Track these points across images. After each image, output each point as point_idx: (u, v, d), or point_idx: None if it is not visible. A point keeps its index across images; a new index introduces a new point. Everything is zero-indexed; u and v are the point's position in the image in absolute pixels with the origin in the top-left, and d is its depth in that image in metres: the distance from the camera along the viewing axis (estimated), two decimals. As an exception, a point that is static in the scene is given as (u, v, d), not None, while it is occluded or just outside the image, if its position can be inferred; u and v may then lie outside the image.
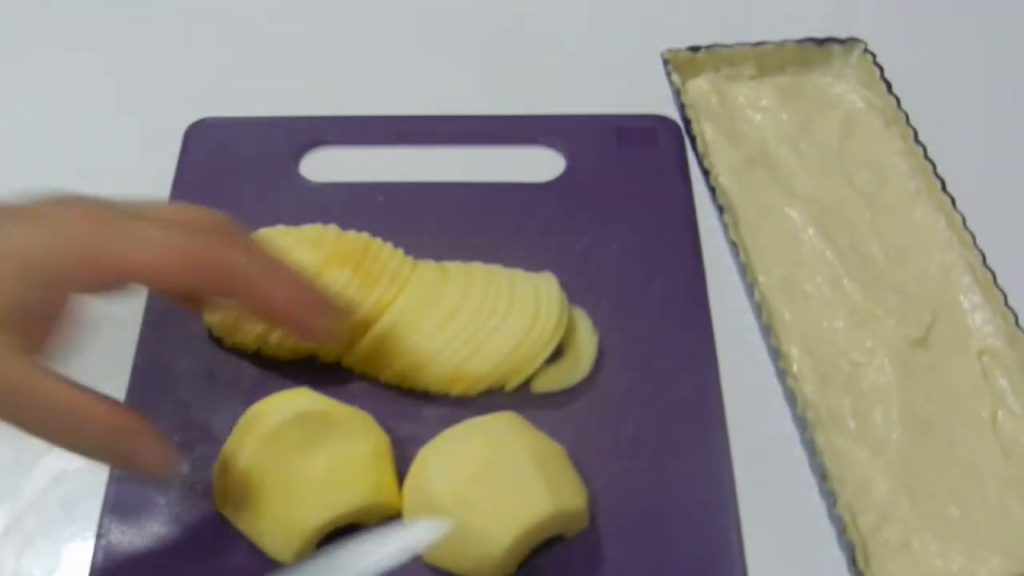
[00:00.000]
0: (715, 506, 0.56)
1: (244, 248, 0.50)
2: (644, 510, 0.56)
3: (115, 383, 0.60)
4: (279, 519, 0.53)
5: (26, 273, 0.45)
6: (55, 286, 0.46)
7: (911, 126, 0.71)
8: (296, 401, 0.56)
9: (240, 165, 0.71)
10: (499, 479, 0.52)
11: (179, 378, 0.61)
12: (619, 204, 0.69)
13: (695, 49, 0.75)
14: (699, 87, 0.74)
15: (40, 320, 0.47)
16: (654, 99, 0.74)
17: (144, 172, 0.70)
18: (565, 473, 0.54)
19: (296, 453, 0.54)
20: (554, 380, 0.60)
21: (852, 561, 0.53)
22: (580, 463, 0.56)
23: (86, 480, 0.57)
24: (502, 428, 0.54)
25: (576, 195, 0.69)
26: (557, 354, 0.61)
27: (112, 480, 0.57)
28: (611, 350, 0.62)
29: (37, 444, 0.46)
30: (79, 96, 0.77)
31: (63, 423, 0.45)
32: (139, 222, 0.47)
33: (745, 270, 0.64)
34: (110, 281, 0.47)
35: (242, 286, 0.49)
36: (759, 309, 0.63)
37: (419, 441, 0.55)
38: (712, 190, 0.68)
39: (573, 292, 0.63)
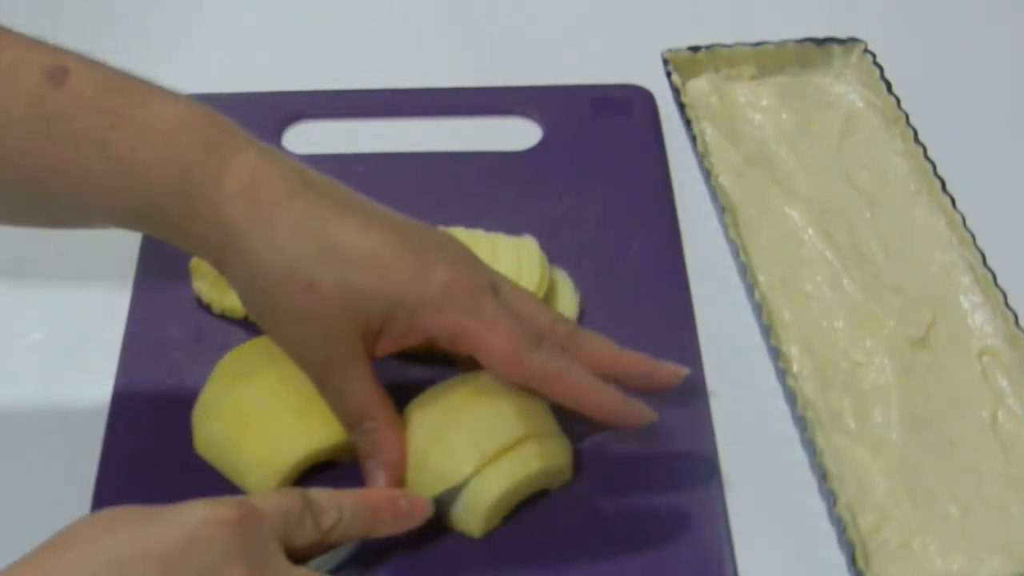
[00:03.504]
0: (696, 457, 0.58)
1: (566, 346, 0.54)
2: (626, 463, 0.57)
3: (108, 350, 0.61)
4: (257, 456, 0.54)
5: (384, 291, 0.51)
6: (401, 313, 0.51)
7: (911, 126, 0.71)
8: (274, 345, 0.56)
9: None
10: (485, 432, 0.53)
11: (170, 344, 0.62)
12: (596, 170, 0.71)
13: (695, 49, 0.75)
14: (699, 87, 0.74)
15: (377, 333, 0.52)
16: (630, 69, 0.76)
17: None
18: (549, 427, 0.55)
19: (273, 392, 0.55)
20: None
21: (852, 561, 0.53)
22: (563, 418, 0.57)
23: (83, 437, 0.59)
24: (487, 382, 0.55)
25: (553, 162, 0.71)
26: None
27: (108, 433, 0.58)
28: (593, 308, 0.63)
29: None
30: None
31: None
32: (493, 301, 0.52)
33: (745, 270, 0.64)
34: (443, 338, 0.52)
35: (566, 394, 0.53)
36: (759, 309, 0.62)
37: (404, 402, 0.56)
38: (712, 190, 0.68)
39: (554, 254, 0.64)
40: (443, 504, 0.53)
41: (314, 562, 0.48)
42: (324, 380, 0.53)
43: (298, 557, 0.47)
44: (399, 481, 0.54)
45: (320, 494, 0.49)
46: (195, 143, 0.50)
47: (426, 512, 0.52)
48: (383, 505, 0.51)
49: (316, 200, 0.51)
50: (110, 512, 0.45)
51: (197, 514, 0.44)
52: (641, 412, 0.55)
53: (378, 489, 0.52)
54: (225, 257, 0.51)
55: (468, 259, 0.54)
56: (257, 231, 0.50)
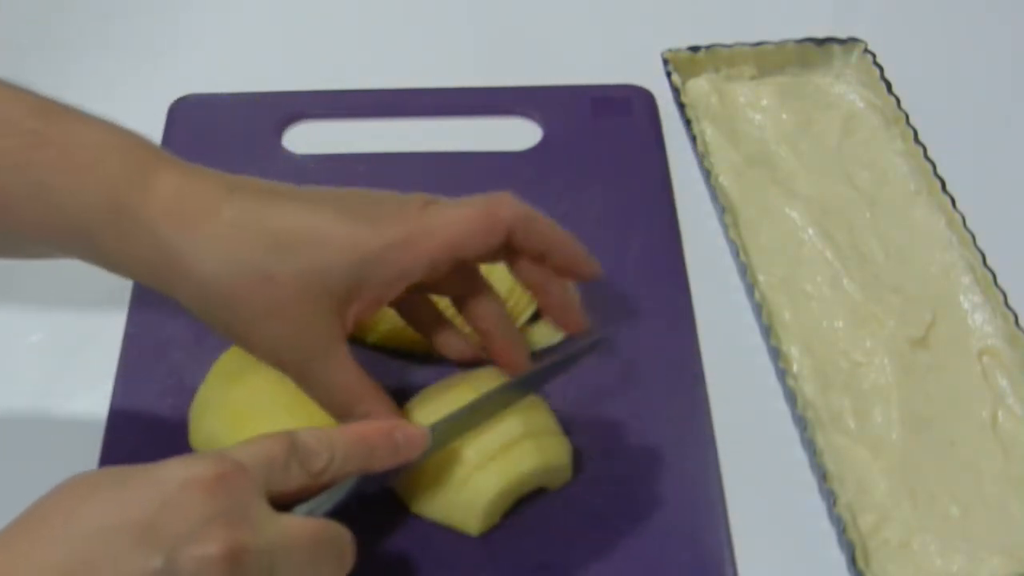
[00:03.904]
0: (697, 454, 0.58)
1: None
2: (626, 461, 0.57)
3: (108, 350, 0.62)
4: None
5: (346, 257, 0.50)
6: (370, 270, 0.50)
7: (911, 126, 0.71)
8: None
9: (224, 140, 0.73)
10: (483, 430, 0.53)
11: (170, 344, 0.62)
12: (596, 170, 0.71)
13: (695, 49, 0.75)
14: (699, 87, 0.74)
15: (349, 301, 0.51)
16: (630, 69, 0.76)
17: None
18: (548, 425, 0.55)
19: (269, 391, 0.55)
20: (536, 339, 0.61)
21: (852, 561, 0.53)
22: (563, 418, 0.57)
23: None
24: (485, 380, 0.55)
25: (553, 162, 0.71)
26: (539, 314, 0.62)
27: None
28: (592, 308, 0.62)
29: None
30: (63, 74, 0.78)
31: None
32: (439, 204, 0.52)
33: (745, 270, 0.64)
34: (424, 270, 0.51)
35: (545, 234, 0.53)
36: (759, 309, 0.62)
37: (405, 402, 0.56)
38: (712, 190, 0.68)
39: None
40: (439, 435, 0.51)
41: (304, 507, 0.47)
42: (306, 374, 0.52)
43: (288, 503, 0.46)
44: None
45: (310, 435, 0.47)
46: (119, 167, 0.49)
47: (424, 443, 0.50)
48: (379, 439, 0.49)
49: (246, 197, 0.50)
50: (86, 478, 0.44)
51: (173, 476, 0.43)
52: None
53: (372, 423, 0.51)
54: (171, 281, 0.50)
55: (405, 198, 0.53)
56: (196, 244, 0.49)
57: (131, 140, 0.51)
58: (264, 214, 0.50)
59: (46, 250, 0.52)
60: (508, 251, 0.53)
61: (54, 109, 0.50)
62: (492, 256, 0.53)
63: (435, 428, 0.51)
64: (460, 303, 0.56)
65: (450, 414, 0.52)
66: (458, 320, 0.57)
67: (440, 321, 0.58)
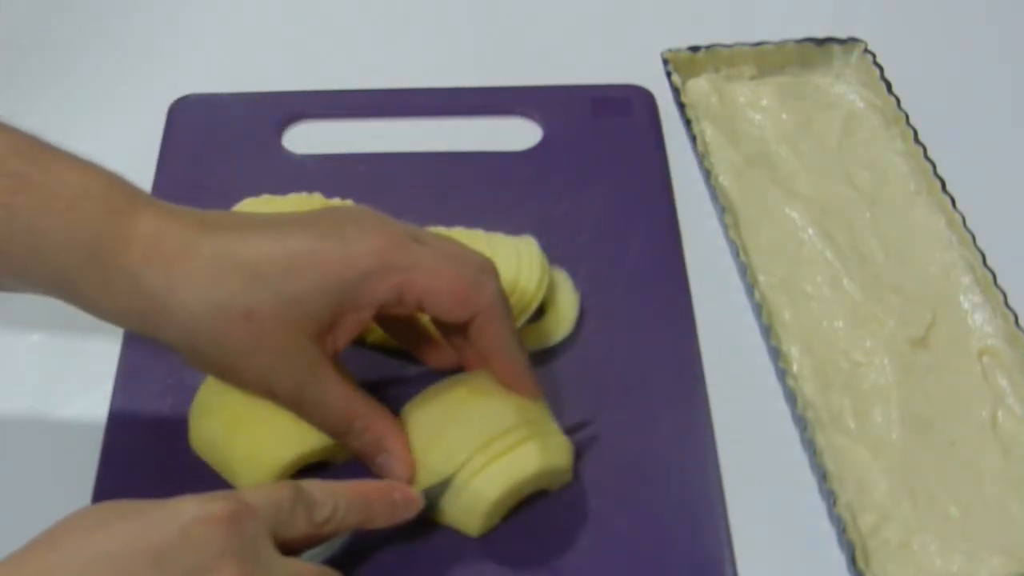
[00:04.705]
0: (697, 456, 0.58)
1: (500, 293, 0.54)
2: (627, 463, 0.57)
3: (108, 350, 0.61)
4: (251, 456, 0.54)
5: (324, 283, 0.50)
6: (348, 295, 0.51)
7: (911, 126, 0.71)
8: None
9: (224, 139, 0.73)
10: (483, 431, 0.53)
11: None
12: (596, 170, 0.71)
13: (695, 49, 0.75)
14: (699, 87, 0.74)
15: (331, 327, 0.51)
16: (630, 69, 0.76)
17: (130, 147, 0.70)
18: (549, 427, 0.55)
19: None
20: (537, 338, 0.61)
21: (852, 561, 0.53)
22: (563, 418, 0.57)
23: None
24: (484, 381, 0.55)
25: (554, 162, 0.71)
26: (540, 313, 0.62)
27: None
28: (592, 309, 0.63)
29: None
30: (63, 74, 0.78)
31: None
32: (425, 248, 0.52)
33: (745, 270, 0.64)
34: (391, 301, 0.51)
35: (493, 336, 0.53)
36: (759, 309, 0.62)
37: (404, 401, 0.56)
38: (712, 190, 0.68)
39: (554, 254, 0.64)
40: (432, 497, 0.53)
41: (307, 554, 0.48)
42: (299, 399, 0.52)
43: (290, 549, 0.47)
44: (413, 466, 0.54)
45: (314, 487, 0.49)
46: (98, 210, 0.49)
47: (417, 505, 0.52)
48: (377, 497, 0.51)
49: (222, 233, 0.50)
50: (102, 507, 0.45)
51: (188, 511, 0.44)
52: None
53: (372, 482, 0.52)
54: (154, 323, 0.50)
55: (384, 221, 0.53)
56: (175, 285, 0.49)
57: (111, 182, 0.50)
58: (240, 248, 0.50)
59: (32, 290, 0.52)
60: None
61: (36, 149, 0.50)
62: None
63: (428, 493, 0.52)
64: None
65: (444, 479, 0.53)
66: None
67: (422, 336, 0.59)
